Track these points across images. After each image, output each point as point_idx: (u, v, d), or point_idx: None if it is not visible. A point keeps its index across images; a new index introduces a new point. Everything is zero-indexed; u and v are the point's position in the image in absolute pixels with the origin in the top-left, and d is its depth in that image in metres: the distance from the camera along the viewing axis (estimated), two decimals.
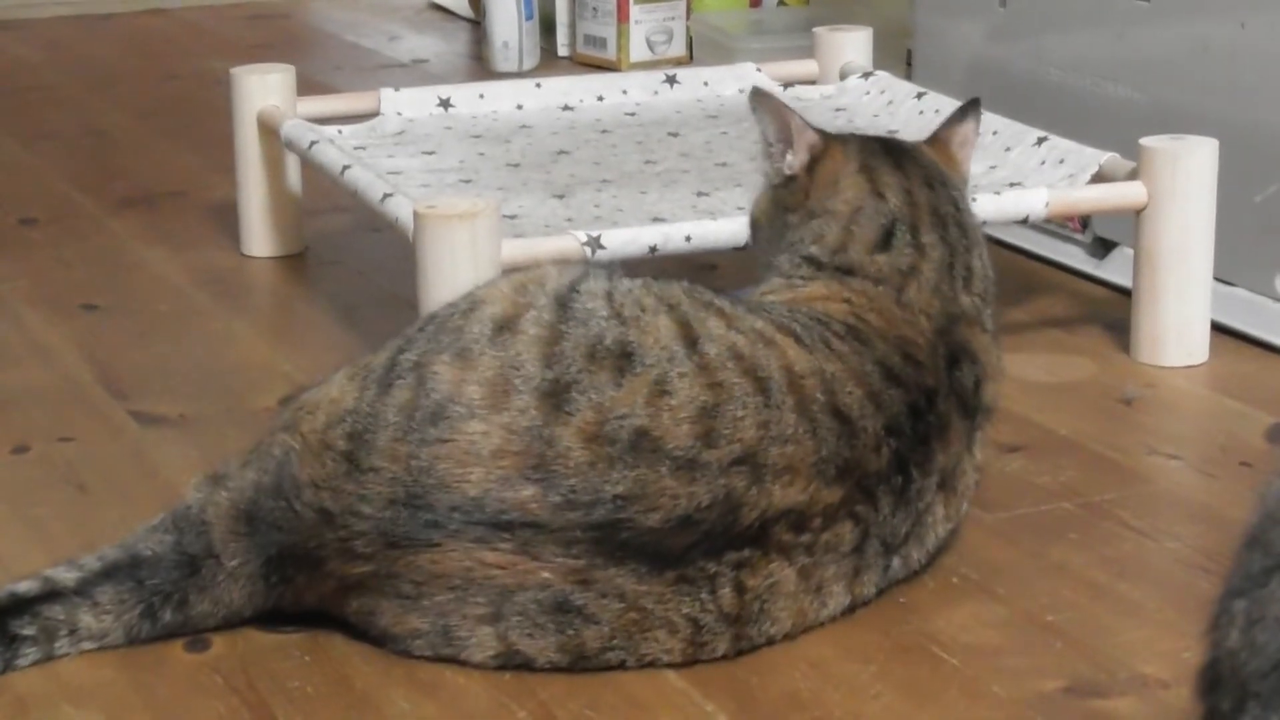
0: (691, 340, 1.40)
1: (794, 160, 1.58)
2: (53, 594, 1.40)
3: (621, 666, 1.38)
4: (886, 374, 1.45)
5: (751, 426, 1.38)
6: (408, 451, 1.36)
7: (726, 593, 1.37)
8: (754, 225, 1.65)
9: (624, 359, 1.38)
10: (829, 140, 1.59)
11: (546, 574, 1.35)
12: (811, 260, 1.55)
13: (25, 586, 1.40)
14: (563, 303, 1.41)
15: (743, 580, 1.37)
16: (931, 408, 1.47)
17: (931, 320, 1.51)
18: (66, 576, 1.41)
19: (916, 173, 1.58)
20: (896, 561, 1.46)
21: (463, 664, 1.38)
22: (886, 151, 1.60)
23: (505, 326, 1.40)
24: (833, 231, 1.55)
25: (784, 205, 1.59)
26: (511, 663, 1.37)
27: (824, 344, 1.44)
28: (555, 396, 1.36)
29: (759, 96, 1.60)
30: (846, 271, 1.53)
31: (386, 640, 1.40)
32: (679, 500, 1.35)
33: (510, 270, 1.50)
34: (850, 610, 1.44)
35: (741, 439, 1.37)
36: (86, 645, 1.40)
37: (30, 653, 1.39)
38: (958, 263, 1.55)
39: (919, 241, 1.54)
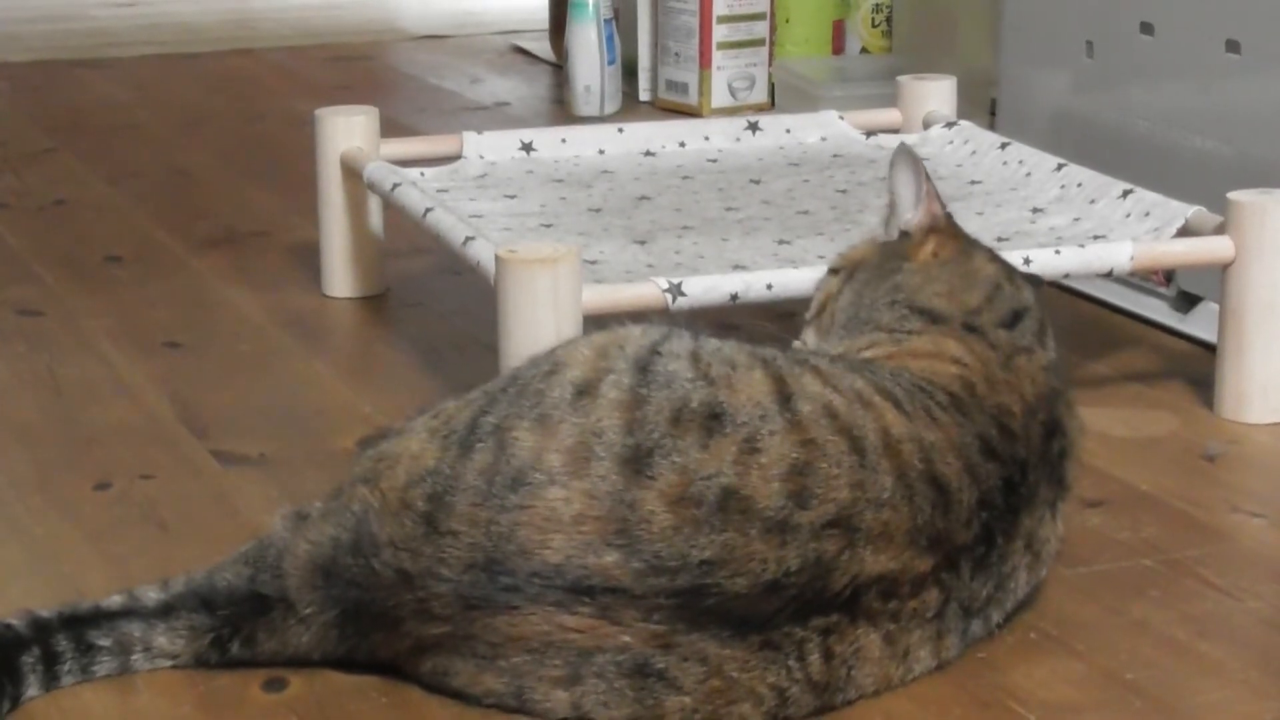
0: (785, 396, 1.38)
1: (912, 218, 1.62)
2: (133, 612, 1.44)
3: None
4: (984, 448, 1.45)
5: (845, 486, 1.36)
6: (488, 517, 1.35)
7: (815, 659, 1.35)
8: (835, 272, 1.67)
9: (713, 420, 1.36)
10: (955, 225, 1.64)
11: (627, 638, 1.33)
12: (928, 313, 1.56)
13: (110, 601, 1.45)
14: (642, 366, 1.40)
15: (830, 647, 1.36)
16: (1024, 480, 1.47)
17: (1035, 387, 1.51)
18: (151, 597, 1.44)
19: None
20: (976, 624, 1.45)
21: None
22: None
23: (585, 391, 1.38)
24: (975, 294, 1.57)
25: (892, 258, 1.61)
26: None
27: (925, 412, 1.43)
28: (636, 462, 1.34)
29: (903, 154, 1.64)
30: (971, 330, 1.54)
31: (461, 698, 1.39)
32: (767, 565, 1.33)
33: (593, 329, 1.49)
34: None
35: (835, 499, 1.35)
36: (161, 663, 1.44)
37: (105, 661, 1.43)
38: (1058, 365, 1.58)
39: (1043, 337, 1.57)
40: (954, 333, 1.54)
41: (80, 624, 1.43)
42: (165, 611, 1.43)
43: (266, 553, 1.43)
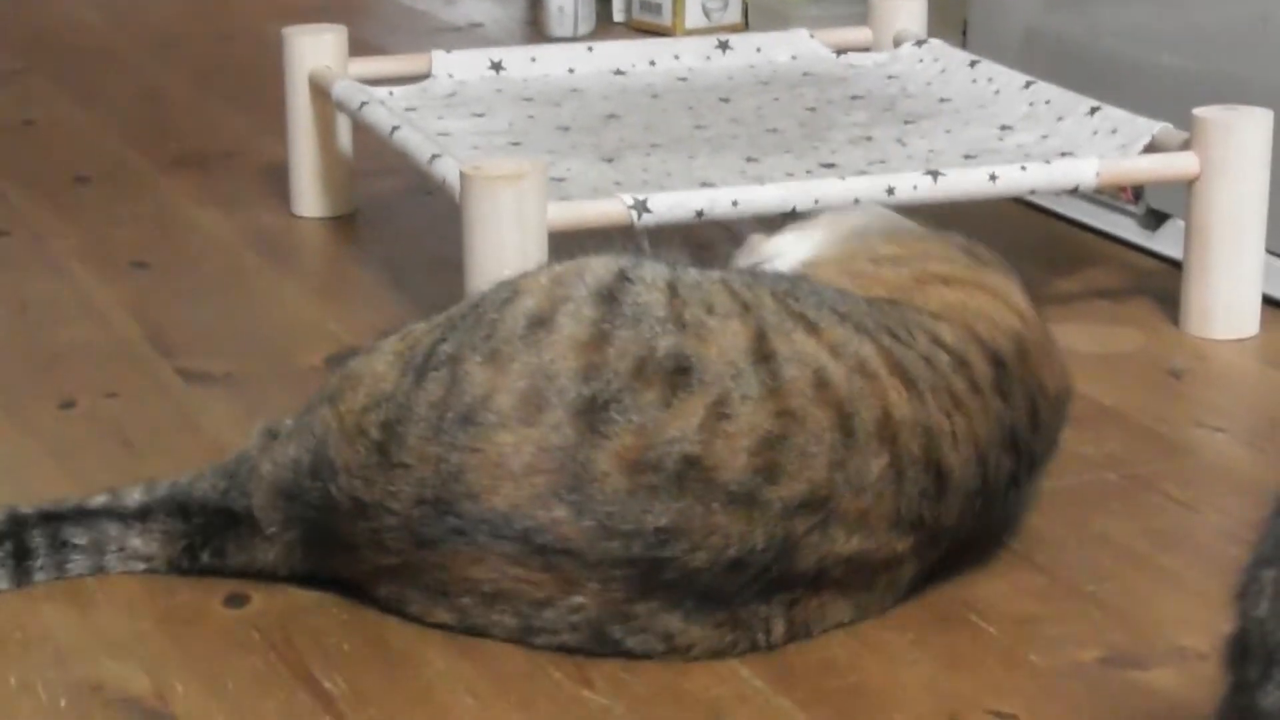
0: (765, 356, 1.30)
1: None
2: (113, 511, 1.44)
3: None
4: (1008, 439, 1.40)
5: (824, 466, 1.28)
6: (437, 454, 1.31)
7: (779, 625, 1.34)
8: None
9: (678, 375, 1.28)
10: None
11: (581, 598, 1.30)
12: (964, 248, 1.53)
13: (93, 500, 1.45)
14: (609, 295, 1.32)
15: (794, 616, 1.34)
16: (1030, 474, 1.45)
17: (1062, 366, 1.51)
18: (133, 498, 1.44)
19: None
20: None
21: None
22: None
23: (539, 323, 1.31)
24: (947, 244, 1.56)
25: None
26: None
27: (947, 393, 1.35)
28: (591, 415, 1.27)
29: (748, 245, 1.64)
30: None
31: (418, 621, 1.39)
32: (730, 540, 1.27)
33: (560, 251, 1.45)
34: None
35: (810, 478, 1.28)
36: (135, 565, 1.44)
37: (79, 560, 1.44)
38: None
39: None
40: (1006, 278, 1.50)
41: (59, 520, 1.43)
42: (143, 514, 1.44)
43: (241, 468, 1.44)
